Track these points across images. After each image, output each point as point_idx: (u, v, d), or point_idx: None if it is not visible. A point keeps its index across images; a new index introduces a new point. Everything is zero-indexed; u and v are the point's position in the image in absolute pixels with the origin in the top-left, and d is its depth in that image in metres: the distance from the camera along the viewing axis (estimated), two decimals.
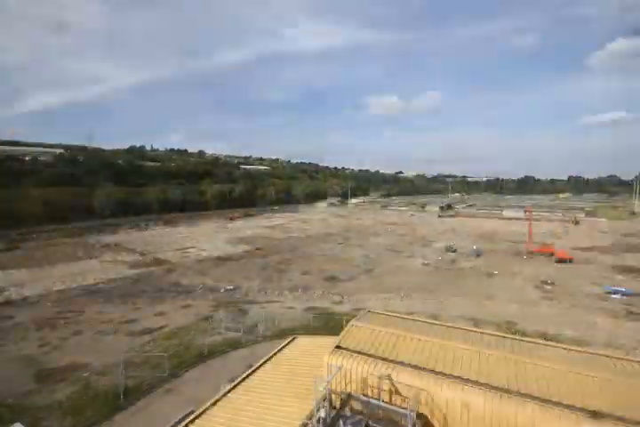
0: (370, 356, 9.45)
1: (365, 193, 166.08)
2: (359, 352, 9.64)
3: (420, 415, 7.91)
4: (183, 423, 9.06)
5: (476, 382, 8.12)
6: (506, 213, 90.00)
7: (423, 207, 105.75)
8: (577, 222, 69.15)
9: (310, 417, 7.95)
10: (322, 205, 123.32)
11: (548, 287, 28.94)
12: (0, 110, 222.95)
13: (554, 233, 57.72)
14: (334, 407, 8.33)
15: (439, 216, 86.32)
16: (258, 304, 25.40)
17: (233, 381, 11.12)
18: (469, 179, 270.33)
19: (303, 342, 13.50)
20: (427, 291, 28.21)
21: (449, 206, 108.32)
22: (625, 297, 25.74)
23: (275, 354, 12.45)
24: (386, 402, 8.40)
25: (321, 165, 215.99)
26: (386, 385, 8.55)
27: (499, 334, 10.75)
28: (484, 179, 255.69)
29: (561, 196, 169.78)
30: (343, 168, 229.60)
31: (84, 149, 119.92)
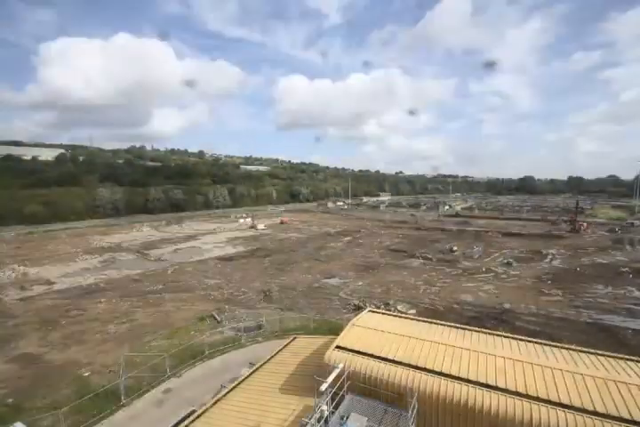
0: (370, 356, 9.46)
1: (366, 193, 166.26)
2: (359, 352, 9.66)
3: (420, 415, 7.92)
4: (184, 423, 9.08)
5: (477, 383, 8.13)
6: (506, 213, 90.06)
7: (423, 207, 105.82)
8: (574, 223, 68.97)
9: (310, 417, 7.96)
10: (322, 205, 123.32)
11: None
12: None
13: (549, 233, 57.68)
14: (334, 407, 8.34)
15: (439, 216, 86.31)
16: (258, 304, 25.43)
17: (233, 381, 11.14)
18: (470, 179, 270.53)
19: (303, 342, 13.51)
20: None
21: (449, 206, 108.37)
22: None
23: (275, 354, 12.47)
24: (386, 402, 8.42)
25: (321, 165, 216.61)
26: (386, 385, 8.56)
27: (499, 333, 10.75)
28: (485, 179, 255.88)
29: (561, 196, 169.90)
30: (343, 168, 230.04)
31: (84, 148, 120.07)
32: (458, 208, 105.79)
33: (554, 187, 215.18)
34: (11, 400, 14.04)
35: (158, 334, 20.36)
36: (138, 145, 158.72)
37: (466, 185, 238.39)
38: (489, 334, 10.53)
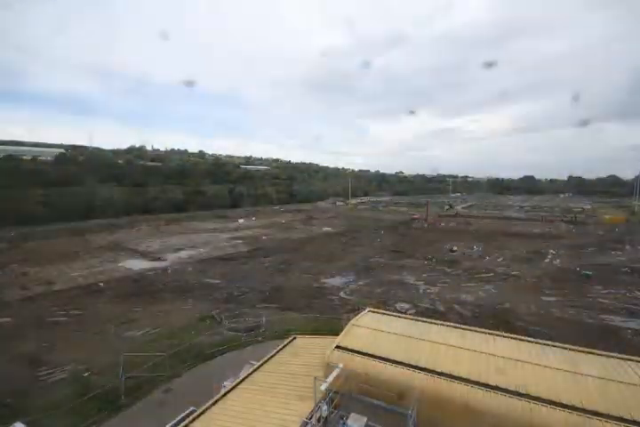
0: (370, 356, 9.46)
1: (366, 193, 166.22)
2: (359, 352, 9.66)
3: (419, 415, 7.91)
4: (183, 424, 9.06)
5: (477, 382, 8.13)
6: (506, 213, 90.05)
7: (423, 207, 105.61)
8: (575, 223, 69.18)
9: (310, 417, 7.97)
10: (322, 205, 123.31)
11: None
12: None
13: (549, 233, 57.70)
14: (334, 407, 8.34)
15: (439, 216, 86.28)
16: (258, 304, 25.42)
17: (233, 381, 11.12)
18: (470, 179, 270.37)
19: (303, 342, 13.50)
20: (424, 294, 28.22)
21: (450, 206, 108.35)
22: None
23: (275, 354, 12.45)
24: (386, 402, 8.41)
25: (321, 165, 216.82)
26: (386, 385, 8.56)
27: (498, 333, 10.75)
28: (485, 178, 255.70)
29: (561, 196, 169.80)
30: (343, 168, 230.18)
31: (84, 148, 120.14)
32: (458, 208, 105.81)
33: (554, 187, 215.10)
34: (10, 400, 14.04)
35: (158, 333, 20.37)
36: (138, 145, 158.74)
37: (466, 185, 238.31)
38: (489, 334, 10.52)
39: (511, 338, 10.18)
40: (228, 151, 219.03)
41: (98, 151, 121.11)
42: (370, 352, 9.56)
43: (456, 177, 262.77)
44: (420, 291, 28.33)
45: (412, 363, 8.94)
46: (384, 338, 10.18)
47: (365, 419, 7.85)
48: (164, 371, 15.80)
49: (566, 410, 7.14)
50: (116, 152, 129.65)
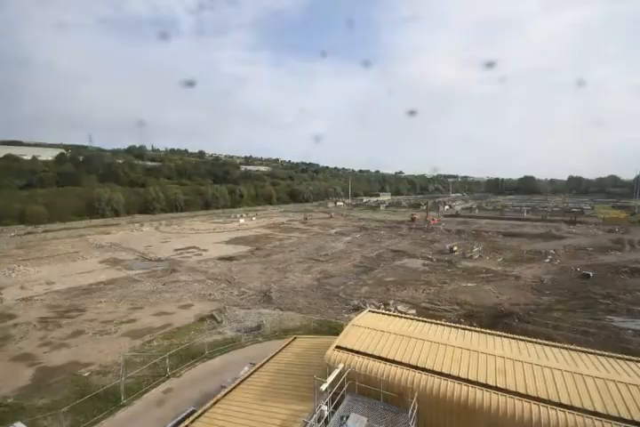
0: (370, 356, 9.47)
1: (366, 193, 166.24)
2: (359, 352, 9.67)
3: (419, 415, 7.92)
4: (183, 424, 9.08)
5: (476, 382, 8.14)
6: (506, 213, 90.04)
7: (423, 207, 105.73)
8: (575, 223, 69.18)
9: (310, 417, 7.96)
10: (322, 205, 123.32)
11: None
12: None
13: (549, 233, 57.69)
14: (334, 407, 8.34)
15: (439, 216, 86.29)
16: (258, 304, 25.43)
17: (233, 381, 11.14)
18: (470, 179, 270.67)
19: (303, 342, 13.51)
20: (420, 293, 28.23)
21: (450, 206, 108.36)
22: None
23: (275, 354, 12.47)
24: (386, 402, 8.42)
25: (321, 165, 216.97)
26: (386, 385, 8.56)
27: (498, 333, 10.75)
28: (485, 179, 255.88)
29: (561, 196, 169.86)
30: (343, 168, 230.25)
31: (84, 148, 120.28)
32: (458, 208, 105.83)
33: (554, 187, 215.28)
34: (11, 400, 14.05)
35: (158, 334, 20.37)
36: (138, 145, 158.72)
37: (466, 185, 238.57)
38: (489, 334, 10.53)
39: (511, 338, 10.19)
40: (229, 151, 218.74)
41: (98, 151, 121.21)
42: (370, 352, 9.56)
43: (456, 177, 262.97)
44: (420, 291, 28.31)
45: (412, 363, 8.95)
46: (384, 338, 10.18)
47: (365, 419, 7.86)
48: (164, 371, 15.80)
49: (566, 410, 7.15)
50: (115, 152, 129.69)
